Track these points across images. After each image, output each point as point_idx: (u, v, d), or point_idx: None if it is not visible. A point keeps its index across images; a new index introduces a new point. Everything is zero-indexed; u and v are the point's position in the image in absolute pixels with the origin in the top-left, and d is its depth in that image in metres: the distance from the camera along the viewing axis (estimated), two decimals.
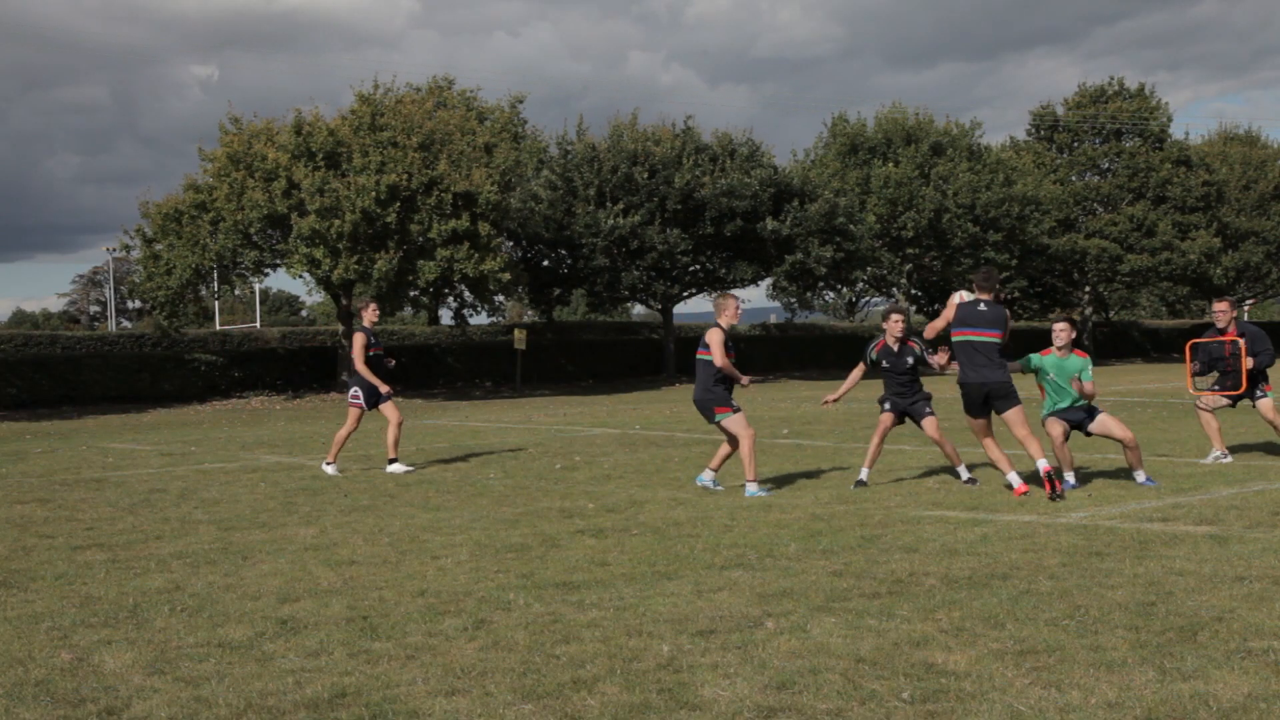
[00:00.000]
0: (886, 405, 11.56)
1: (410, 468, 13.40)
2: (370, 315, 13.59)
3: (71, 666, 5.60)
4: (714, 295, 32.50)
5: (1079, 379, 10.71)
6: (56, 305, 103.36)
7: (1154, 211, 50.88)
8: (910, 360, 11.51)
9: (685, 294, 41.25)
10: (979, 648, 5.51)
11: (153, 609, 6.69)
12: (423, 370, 36.46)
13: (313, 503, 10.86)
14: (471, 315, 37.22)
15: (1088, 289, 54.11)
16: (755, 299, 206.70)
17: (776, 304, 49.43)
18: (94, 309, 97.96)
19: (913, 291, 50.48)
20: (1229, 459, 12.21)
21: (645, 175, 36.94)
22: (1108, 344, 56.68)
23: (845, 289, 51.65)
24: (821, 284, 44.21)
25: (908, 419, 11.61)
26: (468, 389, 35.32)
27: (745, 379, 10.89)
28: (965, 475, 11.20)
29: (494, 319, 41.31)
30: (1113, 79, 53.96)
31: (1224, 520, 8.63)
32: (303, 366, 34.84)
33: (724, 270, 39.57)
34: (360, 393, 13.40)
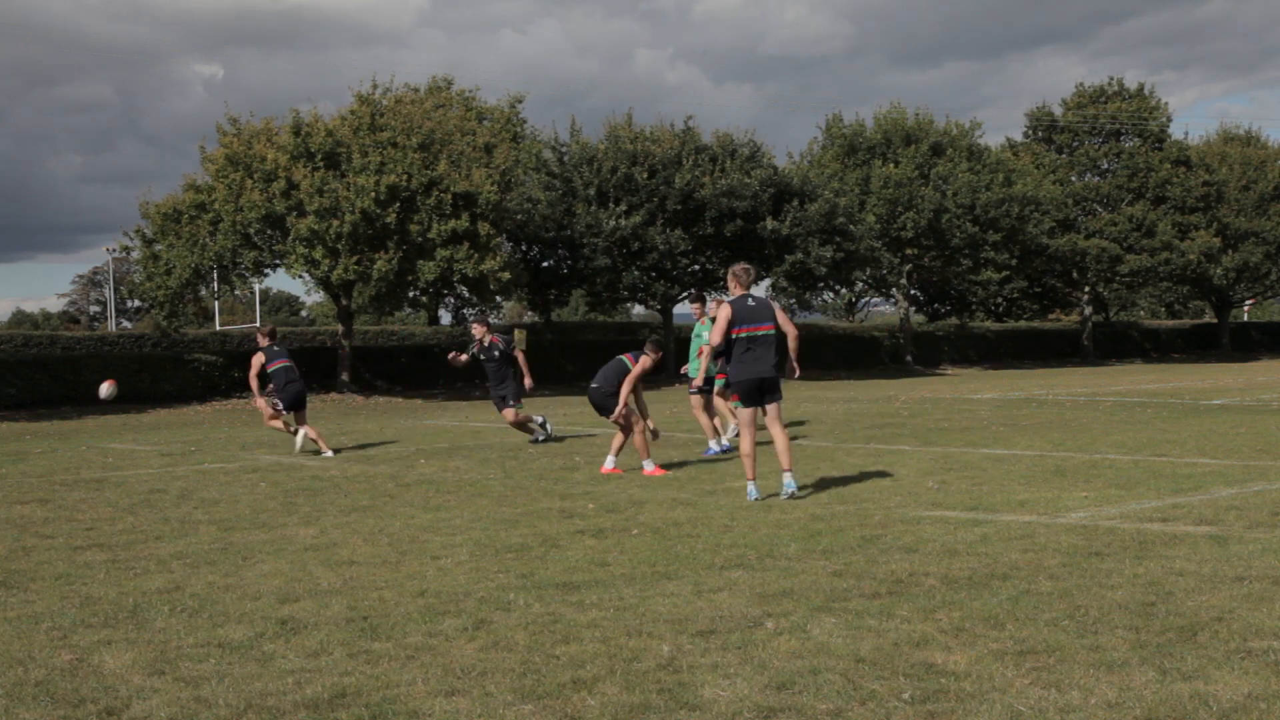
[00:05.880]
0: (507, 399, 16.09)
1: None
2: None
3: (71, 666, 5.60)
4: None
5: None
6: (56, 305, 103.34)
7: (1154, 211, 50.88)
8: (496, 354, 16.06)
9: (685, 294, 41.27)
10: (979, 648, 5.51)
11: (153, 609, 6.69)
12: (423, 370, 36.43)
13: (313, 503, 10.86)
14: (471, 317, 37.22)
15: (1087, 289, 54.09)
16: None
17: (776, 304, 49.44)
18: (94, 309, 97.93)
19: (912, 292, 50.45)
20: (729, 447, 14.78)
21: (645, 176, 36.93)
22: (1107, 344, 56.65)
23: (845, 289, 51.67)
24: (821, 284, 44.22)
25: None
26: (468, 389, 35.27)
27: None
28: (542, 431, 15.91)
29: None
30: (1112, 79, 54.00)
31: (1224, 520, 8.63)
32: (303, 367, 34.60)
33: (723, 270, 39.53)
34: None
